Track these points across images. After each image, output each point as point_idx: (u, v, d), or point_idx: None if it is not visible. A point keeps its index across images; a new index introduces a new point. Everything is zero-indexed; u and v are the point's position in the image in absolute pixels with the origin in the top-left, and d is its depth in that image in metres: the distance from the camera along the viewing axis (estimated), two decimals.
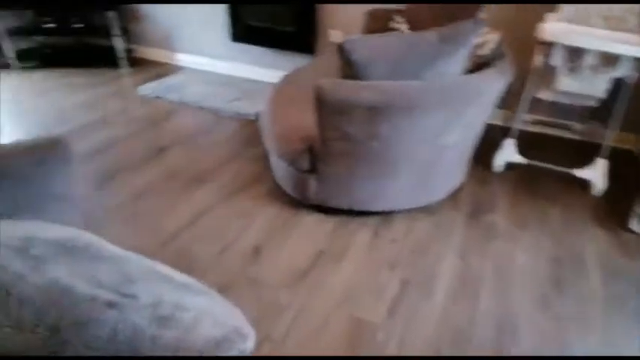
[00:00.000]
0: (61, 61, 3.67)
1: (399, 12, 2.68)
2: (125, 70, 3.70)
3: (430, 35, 1.58)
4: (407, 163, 1.79)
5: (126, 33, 3.76)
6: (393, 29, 2.62)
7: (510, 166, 2.43)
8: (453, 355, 1.41)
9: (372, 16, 2.85)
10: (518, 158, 2.42)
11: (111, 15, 3.49)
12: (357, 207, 1.95)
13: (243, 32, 3.40)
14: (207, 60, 3.77)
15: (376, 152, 1.71)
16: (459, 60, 1.62)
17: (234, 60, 3.65)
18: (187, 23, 3.68)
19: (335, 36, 3.20)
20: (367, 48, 1.56)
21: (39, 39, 3.71)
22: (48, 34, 3.58)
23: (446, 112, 1.62)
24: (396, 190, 1.90)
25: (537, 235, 1.97)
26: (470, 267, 1.77)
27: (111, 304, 0.75)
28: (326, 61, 2.84)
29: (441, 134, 1.71)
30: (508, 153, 2.42)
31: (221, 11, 3.39)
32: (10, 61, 3.52)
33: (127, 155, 2.42)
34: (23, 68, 3.56)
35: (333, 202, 1.95)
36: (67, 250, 0.94)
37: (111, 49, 3.67)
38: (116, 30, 3.55)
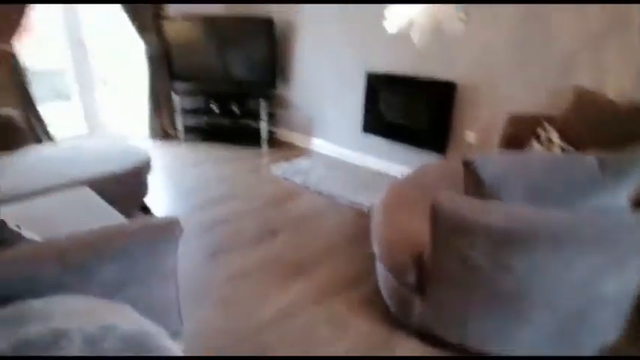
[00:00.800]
0: (217, 137, 4.26)
1: (549, 119, 2.38)
2: (265, 149, 4.08)
3: (587, 160, 1.29)
4: (543, 306, 1.42)
5: (272, 117, 4.21)
6: (539, 138, 2.32)
7: None
8: None
9: (516, 120, 2.60)
10: None
11: (263, 102, 3.96)
12: (469, 344, 1.60)
13: (375, 124, 3.47)
14: (337, 147, 3.92)
15: (503, 287, 1.40)
16: (625, 192, 1.28)
17: (361, 150, 3.72)
18: (325, 112, 3.95)
19: (471, 137, 3.01)
20: (500, 166, 1.35)
21: (203, 118, 4.41)
22: (211, 115, 4.22)
23: (602, 255, 1.25)
24: (525, 334, 1.51)
25: None
26: None
27: None
28: (456, 164, 2.64)
29: (593, 281, 1.32)
30: None
31: (358, 103, 3.55)
32: (179, 134, 4.23)
33: (241, 233, 2.52)
34: (187, 141, 4.23)
35: (440, 332, 1.64)
36: (135, 349, 0.92)
37: (257, 131, 4.12)
38: (264, 115, 4.00)
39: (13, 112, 2.59)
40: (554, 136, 2.22)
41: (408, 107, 3.22)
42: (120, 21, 3.83)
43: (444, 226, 1.41)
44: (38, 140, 3.37)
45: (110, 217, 1.75)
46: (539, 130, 2.33)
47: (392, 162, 3.51)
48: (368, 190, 3.14)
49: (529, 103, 2.69)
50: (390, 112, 3.35)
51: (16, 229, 1.11)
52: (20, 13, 3.17)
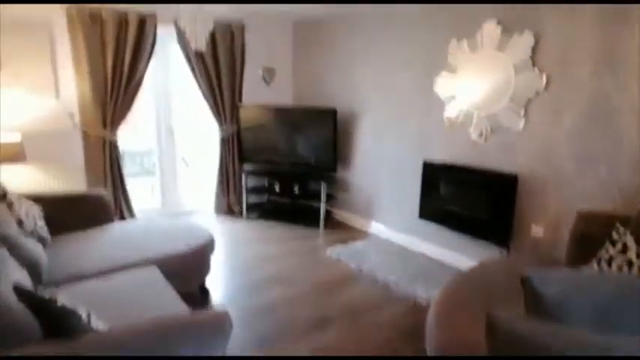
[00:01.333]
0: (277, 215, 4.44)
1: (623, 220, 2.20)
2: (322, 230, 4.16)
3: None
4: None
5: (331, 199, 4.34)
6: (613, 241, 2.14)
7: None
8: None
9: (587, 217, 2.43)
10: None
11: (323, 184, 4.13)
12: None
13: (432, 212, 3.42)
14: (394, 232, 3.89)
15: None
16: None
17: (418, 236, 3.65)
18: (383, 196, 3.99)
19: (537, 231, 2.85)
20: (563, 285, 1.27)
21: (265, 196, 4.66)
22: (273, 194, 4.46)
23: None
24: None
25: None
26: None
27: None
28: (521, 261, 2.49)
29: None
30: None
31: (415, 190, 3.55)
32: (242, 211, 4.49)
33: (292, 320, 2.51)
34: (248, 218, 4.45)
35: None
36: None
37: (316, 211, 4.24)
38: (323, 196, 4.14)
39: (103, 192, 2.96)
40: (630, 241, 2.05)
41: (467, 197, 3.17)
42: (200, 107, 4.34)
43: (500, 348, 1.31)
44: (122, 216, 3.76)
45: (171, 301, 1.86)
46: (614, 233, 2.16)
47: (451, 250, 3.39)
48: (425, 280, 3.02)
49: (601, 199, 2.53)
50: (448, 201, 3.31)
51: (85, 319, 1.23)
52: (128, 109, 3.75)
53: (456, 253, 3.34)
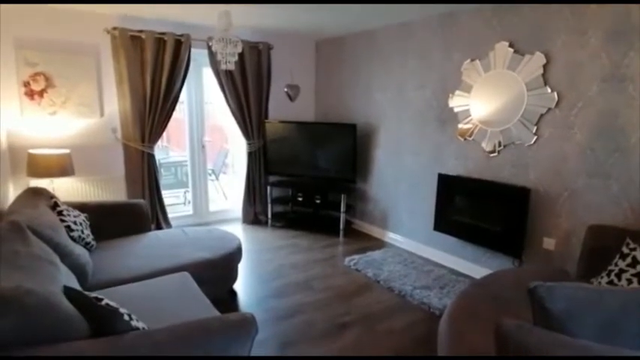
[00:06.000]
0: (299, 224, 4.65)
1: (633, 235, 2.26)
2: (341, 239, 4.32)
3: None
4: None
5: (350, 209, 4.50)
6: (623, 254, 2.21)
7: None
8: None
9: (598, 231, 2.50)
10: None
11: (343, 195, 4.30)
12: None
13: (447, 224, 3.52)
14: (410, 241, 4.01)
15: None
16: None
17: (434, 246, 3.76)
18: (399, 207, 4.12)
19: (549, 244, 2.91)
20: (569, 298, 1.34)
21: (289, 206, 4.87)
22: (296, 204, 4.67)
23: None
24: None
25: None
26: None
27: None
28: (532, 272, 2.56)
29: None
30: None
31: (431, 202, 3.67)
32: (267, 220, 4.71)
33: (311, 325, 2.67)
34: (272, 226, 4.67)
35: None
36: None
37: (336, 221, 4.41)
38: (343, 207, 4.31)
39: (142, 202, 3.23)
40: (639, 255, 2.10)
41: (481, 209, 3.26)
42: (229, 123, 4.62)
43: (509, 355, 1.39)
44: (158, 224, 4.05)
45: (202, 304, 2.06)
46: (624, 247, 2.22)
47: (465, 260, 3.48)
48: (440, 289, 3.13)
49: (612, 214, 2.59)
50: (462, 213, 3.41)
51: (127, 318, 1.41)
52: (165, 124, 4.06)
53: (470, 263, 3.43)
